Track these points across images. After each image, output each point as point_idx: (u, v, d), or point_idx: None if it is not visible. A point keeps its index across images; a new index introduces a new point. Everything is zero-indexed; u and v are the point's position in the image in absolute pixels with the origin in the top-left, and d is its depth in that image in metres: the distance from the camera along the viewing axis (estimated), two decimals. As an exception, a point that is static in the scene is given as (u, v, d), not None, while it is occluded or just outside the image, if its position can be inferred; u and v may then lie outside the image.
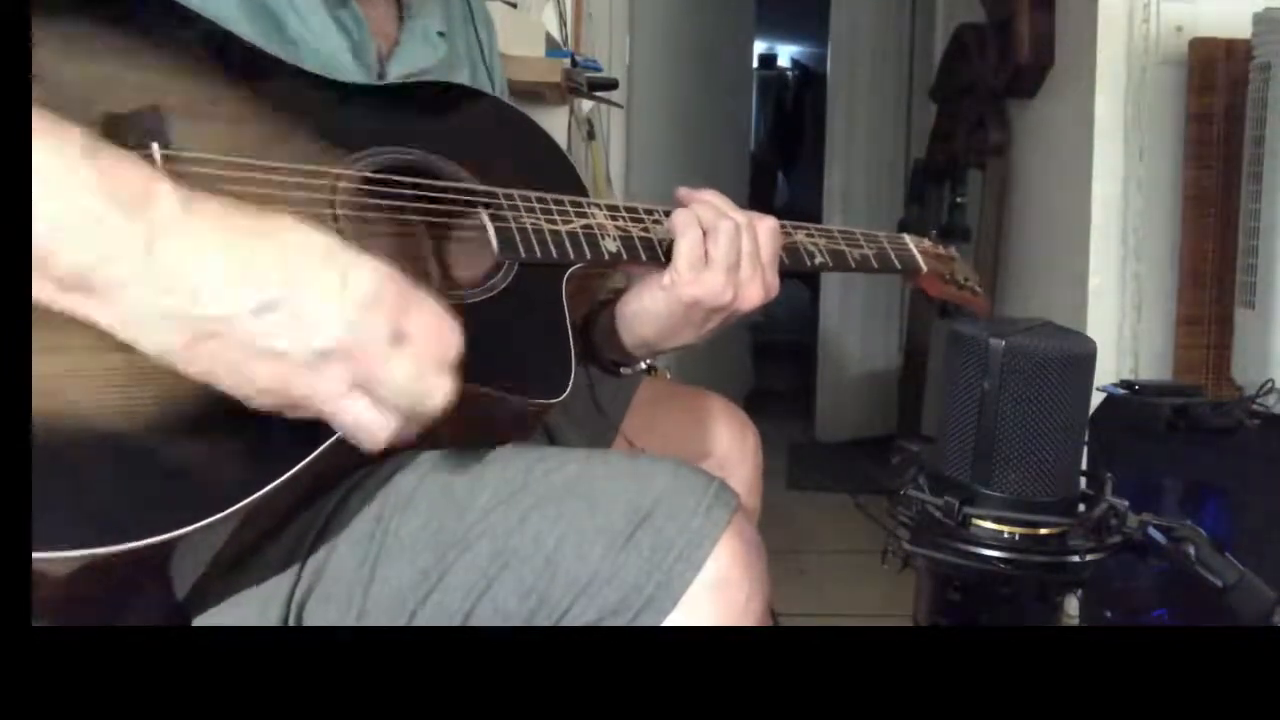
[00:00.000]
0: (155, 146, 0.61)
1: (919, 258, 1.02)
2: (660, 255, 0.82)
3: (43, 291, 0.51)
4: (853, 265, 0.96)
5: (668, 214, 0.84)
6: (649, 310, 0.82)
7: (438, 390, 0.57)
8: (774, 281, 0.83)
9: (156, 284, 0.51)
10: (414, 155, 0.76)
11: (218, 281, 0.52)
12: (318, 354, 0.54)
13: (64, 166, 0.50)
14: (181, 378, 0.55)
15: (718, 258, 0.79)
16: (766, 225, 0.83)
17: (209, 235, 0.53)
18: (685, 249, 0.79)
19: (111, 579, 0.57)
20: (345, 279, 0.54)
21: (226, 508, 0.55)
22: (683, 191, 0.84)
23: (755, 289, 0.81)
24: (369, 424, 0.56)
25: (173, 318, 0.52)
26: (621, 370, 0.89)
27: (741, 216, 0.82)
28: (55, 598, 0.54)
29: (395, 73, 0.84)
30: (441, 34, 0.90)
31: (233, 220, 0.54)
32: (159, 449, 0.56)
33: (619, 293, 0.87)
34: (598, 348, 0.88)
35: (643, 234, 0.83)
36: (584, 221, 0.81)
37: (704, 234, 0.80)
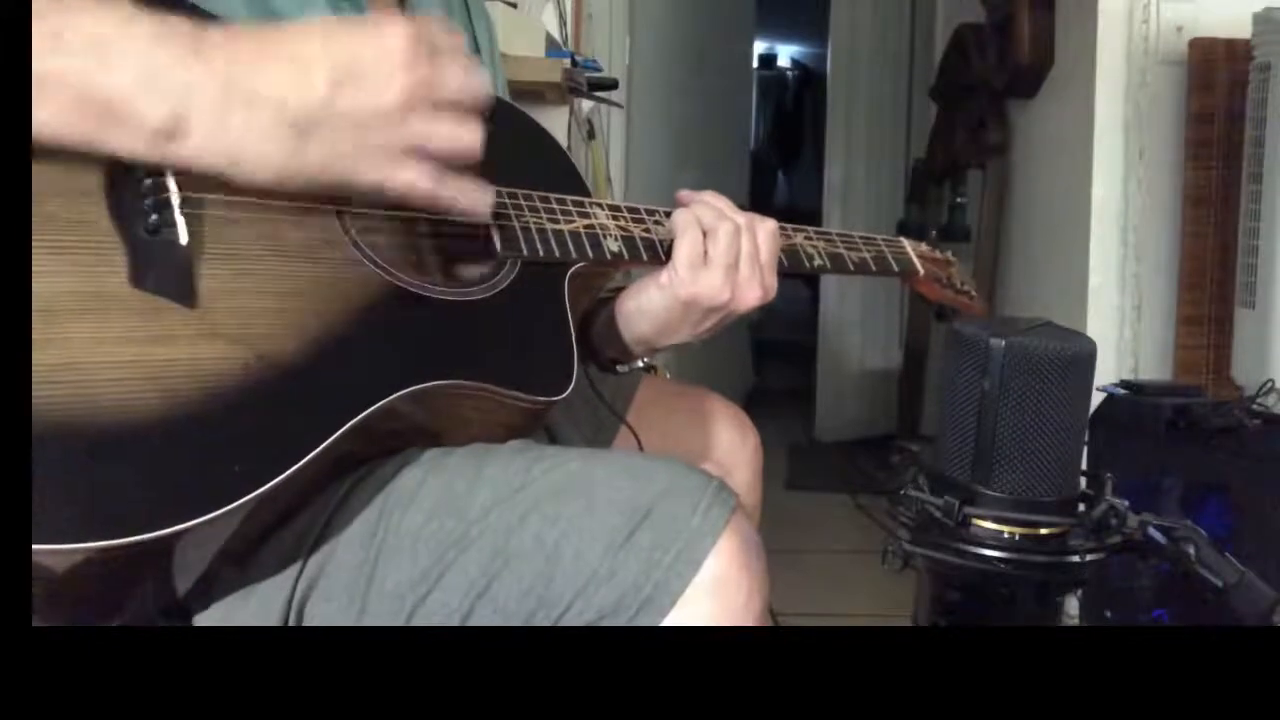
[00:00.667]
0: None
1: (916, 261, 1.03)
2: (660, 255, 0.83)
3: (133, 143, 0.57)
4: (851, 268, 0.97)
5: (669, 215, 0.84)
6: (647, 308, 0.83)
7: (478, 76, 0.66)
8: (772, 283, 0.84)
9: (243, 108, 0.58)
10: None
11: (286, 85, 0.59)
12: (397, 104, 0.62)
13: (122, 26, 0.56)
14: (182, 375, 0.55)
15: (716, 258, 0.80)
16: (766, 228, 0.84)
17: (263, 50, 0.60)
18: (685, 248, 0.80)
19: (112, 574, 0.57)
20: (384, 39, 0.62)
21: (230, 503, 0.55)
22: (684, 194, 0.86)
23: (753, 290, 0.82)
24: (459, 131, 0.65)
25: (274, 128, 0.59)
26: (618, 368, 0.90)
27: (741, 218, 0.83)
28: (55, 593, 0.54)
29: None
30: None
31: (272, 34, 0.61)
32: (162, 443, 0.56)
33: (617, 291, 0.88)
34: (596, 345, 0.89)
35: (644, 234, 0.83)
36: (586, 221, 0.81)
37: (704, 234, 0.81)
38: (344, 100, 0.60)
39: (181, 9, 0.61)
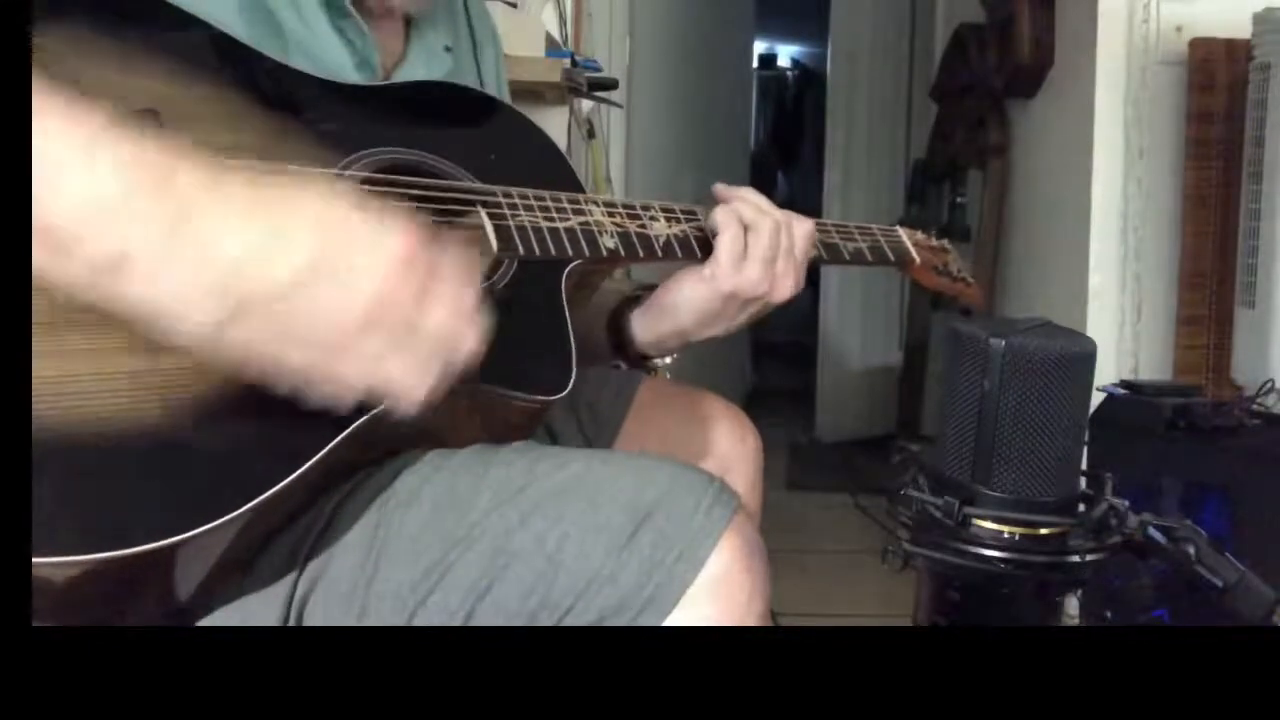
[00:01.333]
0: None
1: (912, 250, 1.04)
2: (656, 251, 0.84)
3: (75, 276, 0.50)
4: (847, 258, 0.97)
5: (664, 210, 0.86)
6: (689, 301, 0.87)
7: (467, 337, 0.58)
8: (803, 277, 0.88)
9: (193, 260, 0.51)
10: (411, 155, 0.76)
11: (252, 254, 0.52)
12: (357, 318, 0.53)
13: (85, 147, 0.50)
14: (183, 380, 0.55)
15: (757, 253, 0.85)
16: (803, 226, 0.89)
17: (239, 208, 0.52)
18: (727, 243, 0.84)
19: (114, 585, 0.56)
20: (378, 244, 0.54)
21: (232, 511, 0.55)
22: (720, 188, 0.89)
23: (788, 283, 0.87)
24: (406, 384, 0.56)
25: (212, 295, 0.51)
26: (649, 363, 0.92)
27: (781, 215, 0.87)
28: (56, 605, 0.54)
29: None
30: (448, 49, 0.90)
31: (261, 193, 0.54)
32: (163, 453, 0.56)
33: (648, 288, 0.90)
34: (632, 339, 0.91)
35: (639, 230, 0.84)
36: (581, 219, 0.81)
37: (745, 229, 0.85)
38: (293, 300, 0.52)
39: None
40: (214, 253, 0.51)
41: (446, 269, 0.57)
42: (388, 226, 0.55)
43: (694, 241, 0.87)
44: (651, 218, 0.85)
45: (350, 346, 0.54)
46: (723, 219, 0.85)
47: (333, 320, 0.53)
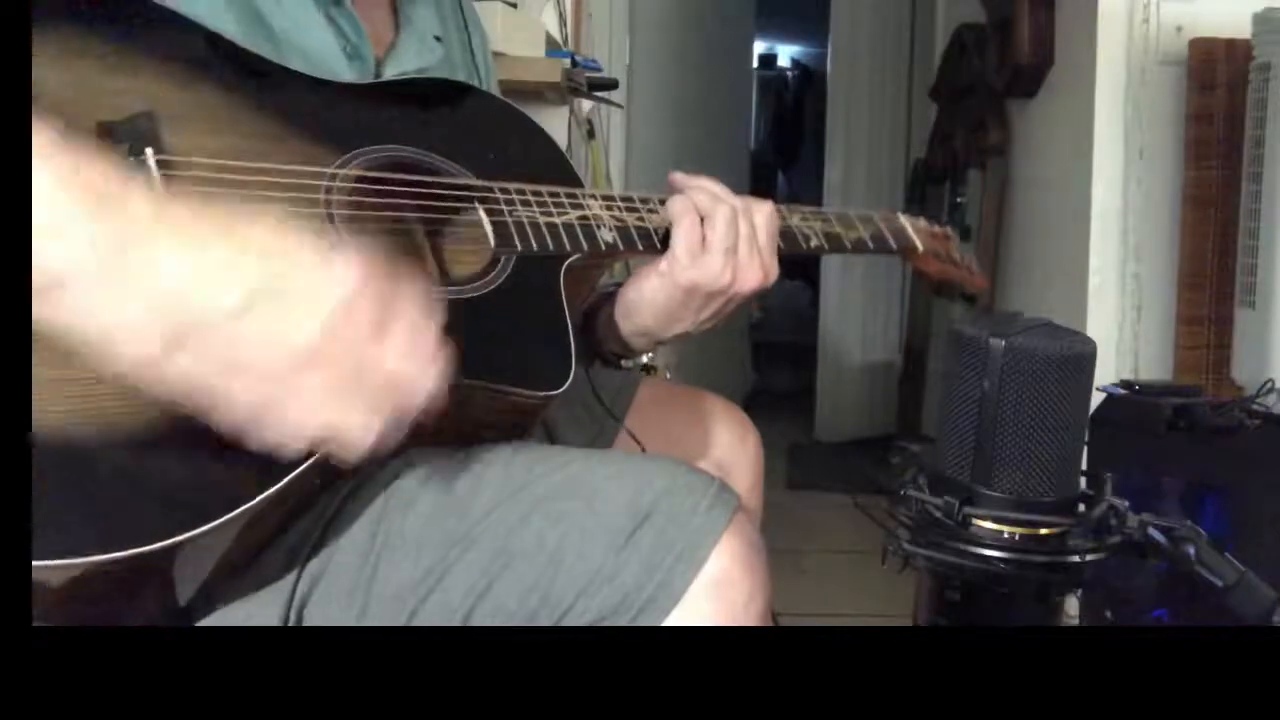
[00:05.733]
0: (149, 153, 0.61)
1: (914, 237, 1.02)
2: (656, 243, 0.83)
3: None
4: (849, 247, 0.95)
5: (662, 202, 0.84)
6: (648, 297, 0.83)
7: (424, 380, 0.55)
8: (772, 265, 0.83)
9: (130, 287, 0.49)
10: (408, 153, 0.76)
11: (194, 283, 0.50)
12: (298, 356, 0.51)
13: (34, 163, 0.48)
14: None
15: (715, 242, 0.80)
16: (763, 209, 0.84)
17: (183, 237, 0.50)
18: (683, 234, 0.80)
19: (112, 587, 0.56)
20: (326, 278, 0.52)
21: (232, 510, 0.55)
22: (677, 177, 0.85)
23: (753, 272, 0.81)
24: (352, 429, 0.53)
25: (148, 323, 0.49)
26: (622, 363, 0.90)
27: (738, 201, 0.82)
28: (56, 606, 0.54)
29: (391, 76, 0.84)
30: (438, 38, 0.90)
31: (208, 223, 0.51)
32: (163, 454, 0.56)
33: (619, 286, 0.87)
34: (600, 340, 0.88)
35: (638, 223, 0.83)
36: (579, 213, 0.81)
37: (701, 219, 0.81)
38: (243, 329, 0.50)
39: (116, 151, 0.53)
40: (154, 281, 0.49)
41: (403, 305, 0.54)
42: (339, 258, 0.53)
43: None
44: (650, 210, 0.84)
45: (293, 384, 0.51)
46: (678, 209, 0.81)
47: (275, 354, 0.51)
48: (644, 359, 0.90)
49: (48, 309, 0.48)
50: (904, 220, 1.03)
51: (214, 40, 0.69)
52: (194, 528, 0.54)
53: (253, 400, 0.52)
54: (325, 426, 0.53)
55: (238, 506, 0.56)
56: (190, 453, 0.56)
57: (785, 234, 0.90)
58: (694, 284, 0.80)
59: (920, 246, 1.02)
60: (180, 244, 0.50)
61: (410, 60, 0.85)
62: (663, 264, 0.81)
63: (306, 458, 0.59)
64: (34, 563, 0.49)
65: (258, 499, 0.57)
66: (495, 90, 0.99)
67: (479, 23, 1.00)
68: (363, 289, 0.53)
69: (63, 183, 0.48)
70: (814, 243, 0.92)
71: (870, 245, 0.97)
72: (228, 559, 0.62)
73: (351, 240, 0.58)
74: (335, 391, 0.52)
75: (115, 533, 0.52)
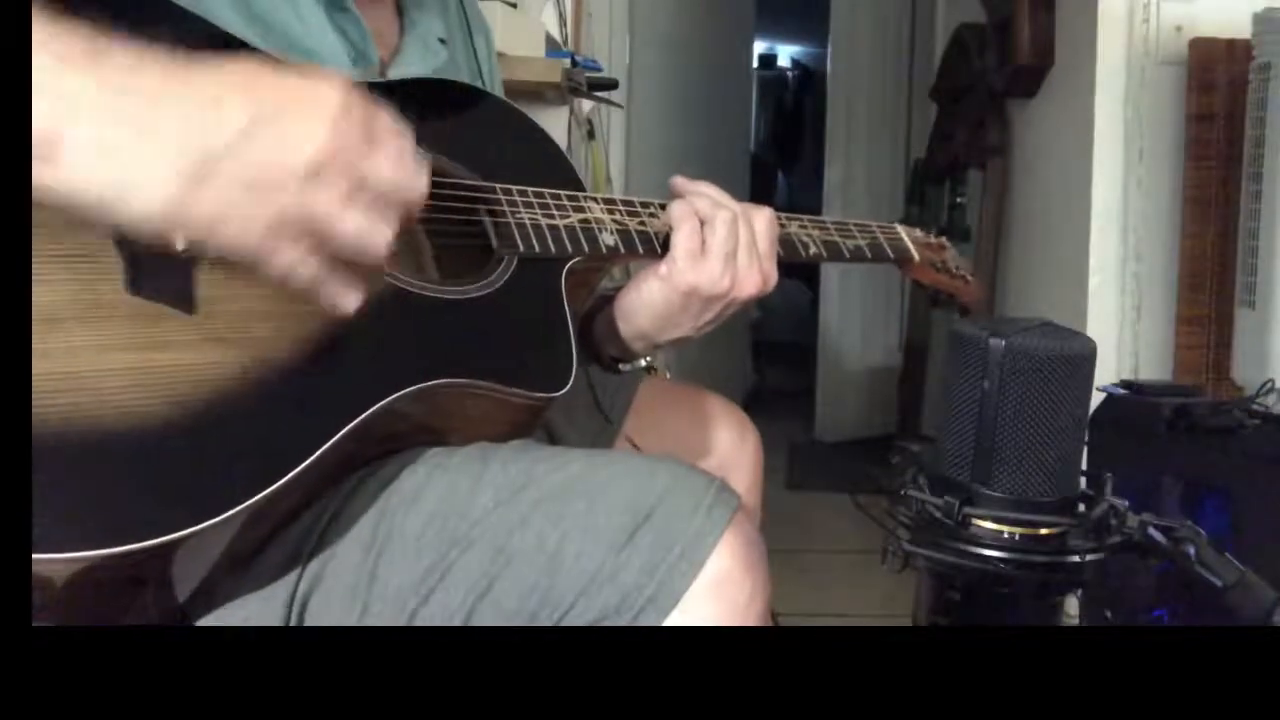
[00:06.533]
0: None
1: (911, 247, 1.03)
2: (657, 247, 0.83)
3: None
4: (847, 256, 0.96)
5: (663, 207, 0.84)
6: (647, 301, 0.83)
7: (418, 178, 0.59)
8: (771, 271, 0.84)
9: (136, 133, 0.50)
10: None
11: (196, 118, 0.51)
12: (311, 165, 0.54)
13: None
14: (183, 376, 0.55)
15: (714, 247, 0.80)
16: (763, 215, 0.84)
17: (173, 79, 0.52)
18: (682, 238, 0.80)
19: (113, 582, 0.56)
20: (314, 94, 0.55)
21: (233, 507, 0.55)
22: (679, 181, 0.85)
23: (752, 278, 0.82)
24: (370, 228, 0.56)
25: (162, 166, 0.50)
26: (621, 367, 0.90)
27: (738, 206, 0.83)
28: (56, 602, 0.54)
29: (395, 79, 0.84)
30: (442, 41, 0.90)
31: (190, 68, 0.53)
32: (163, 449, 0.56)
33: (618, 290, 0.87)
34: (599, 344, 0.88)
35: (639, 227, 0.84)
36: (581, 216, 0.81)
37: (701, 224, 0.81)
38: (251, 147, 0.52)
39: (89, 20, 0.53)
40: (158, 122, 0.50)
41: (383, 118, 0.58)
42: (322, 85, 0.56)
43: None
44: (651, 215, 0.85)
45: (309, 191, 0.54)
46: (678, 214, 0.81)
47: (289, 167, 0.53)
48: (642, 362, 0.90)
49: (53, 176, 0.49)
50: (901, 230, 1.04)
51: (219, 37, 0.69)
52: (195, 523, 0.54)
53: (274, 218, 0.54)
54: (345, 233, 0.56)
55: (239, 503, 0.56)
56: (191, 448, 0.56)
57: (784, 241, 0.90)
58: (693, 287, 0.80)
59: (917, 257, 1.03)
60: (172, 84, 0.52)
61: (415, 63, 0.86)
62: (662, 267, 0.81)
63: (306, 455, 0.59)
64: (35, 555, 0.49)
65: (257, 496, 0.56)
66: (500, 92, 1.00)
67: (484, 26, 1.00)
68: (349, 102, 0.56)
69: (43, 45, 0.49)
70: (812, 251, 0.93)
71: (868, 254, 0.98)
72: (229, 557, 0.62)
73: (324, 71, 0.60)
74: (349, 198, 0.55)
75: (116, 527, 0.52)
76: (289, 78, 0.55)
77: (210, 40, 0.69)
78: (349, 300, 0.59)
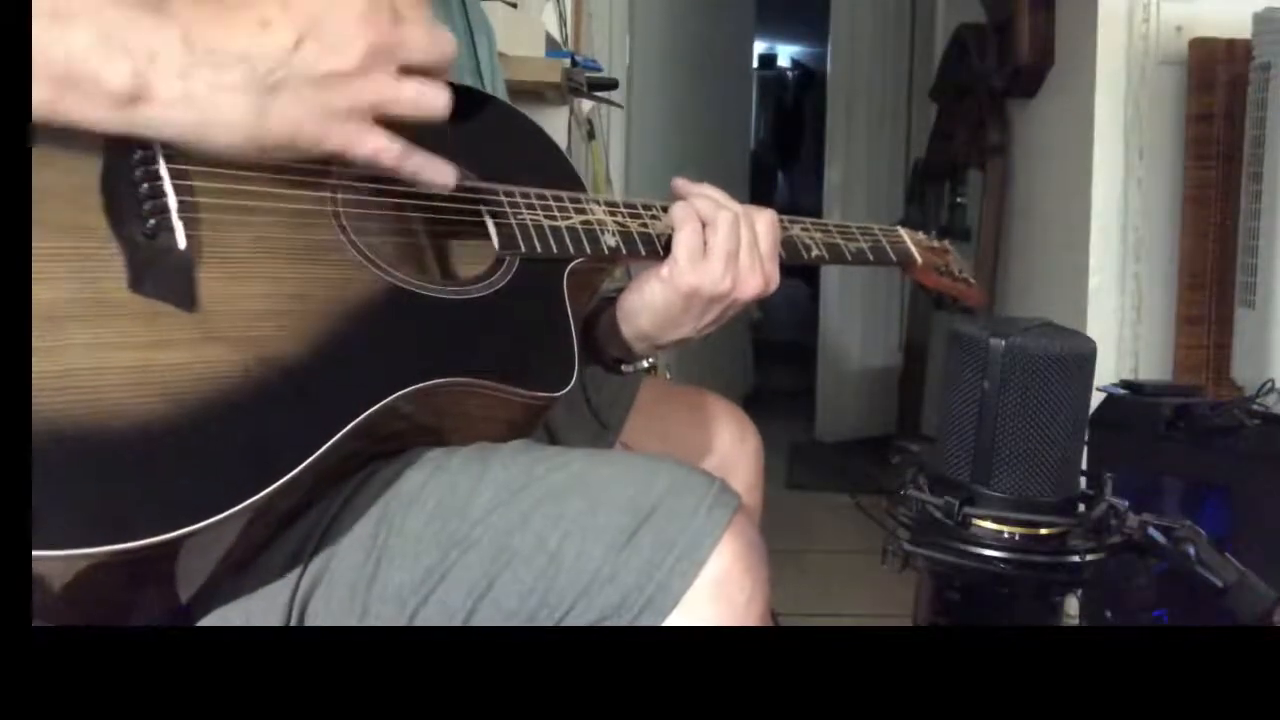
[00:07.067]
0: (158, 149, 0.61)
1: (913, 250, 1.03)
2: (658, 249, 0.83)
3: (103, 114, 0.55)
4: (849, 258, 0.96)
5: (665, 209, 0.85)
6: (649, 302, 0.83)
7: (447, 44, 0.66)
8: (773, 272, 0.84)
9: (208, 65, 0.57)
10: None
11: (256, 39, 0.58)
12: (359, 60, 0.61)
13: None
14: (184, 373, 0.55)
15: (716, 248, 0.81)
16: (765, 217, 0.84)
17: (224, 6, 0.58)
18: (684, 239, 0.81)
19: (114, 581, 0.56)
20: (343, 2, 0.61)
21: (234, 506, 0.55)
22: (680, 182, 0.86)
23: (754, 279, 0.82)
24: (424, 90, 0.64)
25: (237, 89, 0.58)
26: (623, 368, 0.90)
27: (739, 208, 0.83)
28: (57, 602, 0.54)
29: None
30: None
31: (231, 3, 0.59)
32: (165, 448, 0.55)
33: (620, 291, 0.87)
34: (600, 345, 0.88)
35: (641, 229, 0.84)
36: (583, 217, 0.81)
37: (703, 225, 0.81)
38: (306, 58, 0.59)
39: None
40: (222, 54, 0.57)
41: (403, 4, 0.64)
42: None
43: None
44: (653, 216, 0.85)
45: (364, 81, 0.61)
46: (680, 216, 0.82)
47: (339, 68, 0.60)
48: (644, 363, 0.90)
49: (141, 115, 0.56)
50: (903, 233, 1.04)
51: None
52: (196, 522, 0.54)
53: (344, 112, 0.62)
54: (407, 102, 0.64)
55: (240, 502, 0.56)
56: (192, 446, 0.56)
57: (787, 243, 0.90)
58: (694, 289, 0.81)
59: (919, 260, 1.03)
60: (225, 17, 0.58)
61: None
62: (664, 269, 0.81)
63: (309, 453, 0.59)
64: (35, 553, 0.49)
65: (260, 493, 0.56)
66: (501, 94, 1.00)
67: (486, 27, 1.00)
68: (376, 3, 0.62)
69: (113, 3, 0.55)
70: (814, 253, 0.93)
71: (869, 257, 0.98)
72: (231, 555, 0.62)
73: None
74: (398, 74, 0.63)
75: (117, 525, 0.52)
76: None
77: None
78: (439, 171, 0.68)
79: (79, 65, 0.53)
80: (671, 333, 0.84)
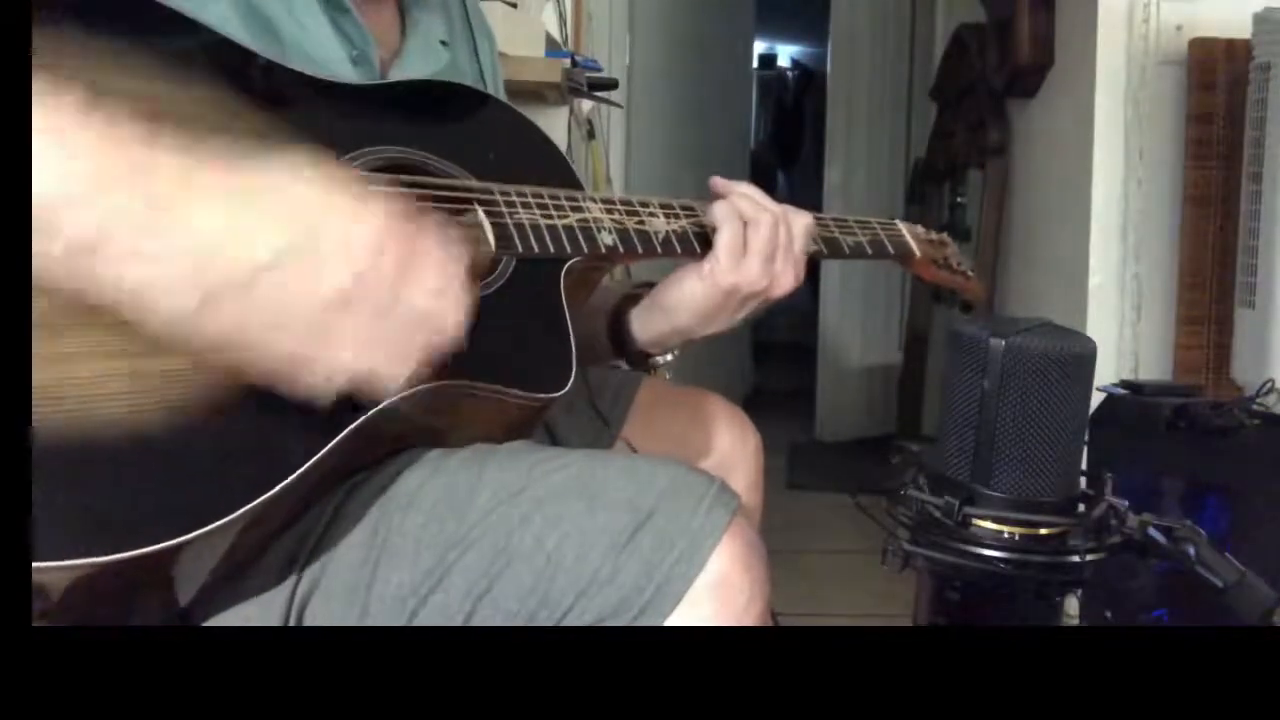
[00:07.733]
0: None
1: (911, 243, 1.04)
2: (656, 247, 0.85)
3: (54, 258, 0.50)
4: (847, 252, 0.98)
5: (662, 206, 0.86)
6: (688, 298, 0.86)
7: (450, 314, 0.59)
8: (801, 272, 0.88)
9: (168, 245, 0.51)
10: (408, 154, 0.76)
11: (227, 238, 0.52)
12: (330, 303, 0.54)
13: (62, 129, 0.50)
14: (181, 383, 0.55)
15: (756, 247, 0.84)
16: (801, 220, 0.88)
17: (214, 193, 0.53)
18: (726, 238, 0.84)
19: (113, 589, 0.56)
20: (351, 224, 0.55)
21: (233, 512, 0.55)
22: (719, 182, 0.88)
23: (788, 278, 0.86)
24: (388, 364, 0.57)
25: (185, 280, 0.52)
26: (652, 361, 0.92)
27: (778, 209, 0.87)
28: (56, 610, 0.54)
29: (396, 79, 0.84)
30: (444, 43, 0.90)
31: (237, 178, 0.54)
32: (162, 455, 0.55)
33: (647, 286, 0.90)
34: (630, 339, 0.91)
35: (638, 226, 0.84)
36: (579, 215, 0.81)
37: (744, 225, 0.84)
38: (277, 279, 0.53)
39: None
40: (189, 237, 0.52)
41: (429, 246, 0.58)
42: (365, 206, 0.56)
43: (693, 238, 0.87)
44: (650, 214, 0.85)
45: (328, 326, 0.55)
46: (722, 214, 0.85)
47: (307, 304, 0.54)
48: (669, 356, 0.93)
49: (87, 269, 0.51)
50: (902, 227, 1.05)
51: (219, 42, 0.69)
52: (195, 529, 0.54)
53: (288, 349, 0.55)
54: (364, 364, 0.56)
55: (238, 508, 0.56)
56: (189, 455, 0.56)
57: None
58: (734, 286, 0.84)
59: (918, 253, 1.04)
60: (211, 203, 0.53)
61: (416, 66, 0.86)
62: (705, 266, 0.84)
63: (305, 459, 0.59)
64: (35, 564, 0.49)
65: (257, 501, 0.56)
66: (502, 95, 1.00)
67: (486, 28, 1.00)
68: (388, 232, 0.56)
69: (91, 149, 0.50)
70: (814, 247, 0.94)
71: (869, 251, 1.00)
72: (228, 561, 0.62)
73: (374, 188, 0.59)
74: (368, 334, 0.56)
75: (116, 535, 0.52)
76: (334, 203, 0.55)
77: (208, 41, 0.68)
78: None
79: (44, 209, 0.49)
80: (708, 327, 0.88)
